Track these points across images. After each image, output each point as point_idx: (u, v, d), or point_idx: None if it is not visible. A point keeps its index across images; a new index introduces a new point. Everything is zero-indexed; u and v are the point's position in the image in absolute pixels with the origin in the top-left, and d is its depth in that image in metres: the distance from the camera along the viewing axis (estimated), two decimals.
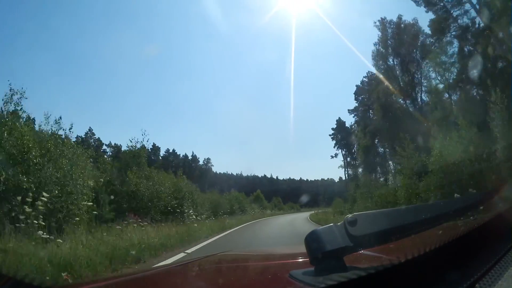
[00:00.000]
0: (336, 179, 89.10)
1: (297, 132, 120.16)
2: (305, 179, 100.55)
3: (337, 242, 0.64)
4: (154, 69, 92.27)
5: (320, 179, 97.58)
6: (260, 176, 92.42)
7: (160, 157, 65.55)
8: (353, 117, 37.53)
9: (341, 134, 46.84)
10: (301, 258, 1.15)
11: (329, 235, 0.66)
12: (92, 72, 78.24)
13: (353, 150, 40.12)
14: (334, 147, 46.98)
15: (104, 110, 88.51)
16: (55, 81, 68.81)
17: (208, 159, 76.93)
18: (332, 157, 47.33)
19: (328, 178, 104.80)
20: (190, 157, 73.93)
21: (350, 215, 0.67)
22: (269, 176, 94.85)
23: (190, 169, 64.26)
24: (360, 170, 32.67)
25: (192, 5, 76.44)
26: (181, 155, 73.27)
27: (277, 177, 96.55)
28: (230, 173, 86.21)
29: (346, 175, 42.30)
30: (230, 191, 34.09)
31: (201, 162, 75.62)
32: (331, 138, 47.91)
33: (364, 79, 33.18)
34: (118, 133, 77.98)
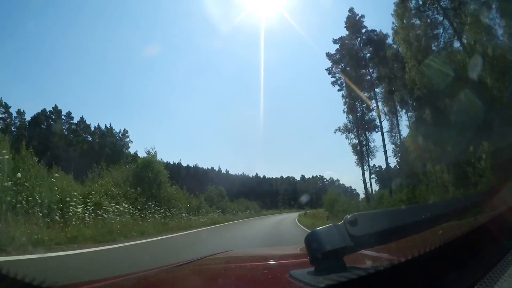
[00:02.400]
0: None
1: (272, 131, 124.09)
2: (286, 176, 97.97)
3: (337, 242, 0.64)
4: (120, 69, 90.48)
5: (282, 176, 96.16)
6: (251, 175, 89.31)
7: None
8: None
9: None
10: (301, 258, 1.15)
11: (329, 235, 0.66)
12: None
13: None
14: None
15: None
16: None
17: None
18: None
19: (316, 176, 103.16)
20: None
21: (350, 215, 0.67)
22: (256, 175, 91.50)
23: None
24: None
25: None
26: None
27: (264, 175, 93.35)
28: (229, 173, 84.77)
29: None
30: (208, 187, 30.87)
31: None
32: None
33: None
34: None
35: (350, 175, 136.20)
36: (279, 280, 0.95)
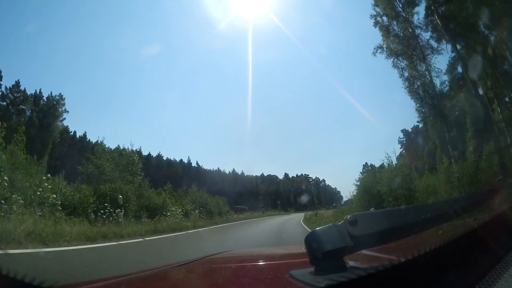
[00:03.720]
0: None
1: (259, 131, 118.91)
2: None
3: (337, 242, 0.64)
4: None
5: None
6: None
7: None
8: None
9: None
10: (301, 258, 1.15)
11: (329, 235, 0.66)
12: None
13: None
14: None
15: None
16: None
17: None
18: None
19: (301, 175, 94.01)
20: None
21: (349, 215, 0.67)
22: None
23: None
24: None
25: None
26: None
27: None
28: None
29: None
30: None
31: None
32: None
33: None
34: None
35: (336, 177, 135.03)
36: (279, 280, 0.95)
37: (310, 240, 0.68)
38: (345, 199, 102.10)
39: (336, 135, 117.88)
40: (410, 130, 40.78)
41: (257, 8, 63.79)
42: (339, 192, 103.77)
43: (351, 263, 0.72)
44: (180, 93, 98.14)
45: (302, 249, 0.73)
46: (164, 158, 63.85)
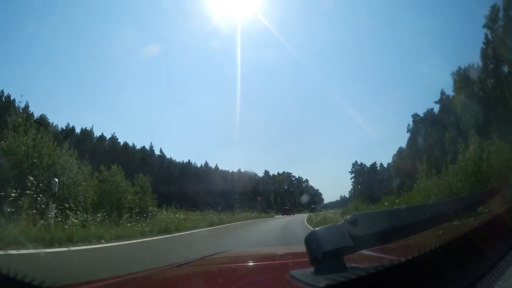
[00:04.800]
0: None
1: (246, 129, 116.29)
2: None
3: (337, 242, 0.64)
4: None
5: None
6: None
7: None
8: None
9: None
10: (301, 258, 1.15)
11: (329, 235, 0.66)
12: None
13: None
14: None
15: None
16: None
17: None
18: None
19: (283, 172, 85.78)
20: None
21: (349, 215, 0.67)
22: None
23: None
24: None
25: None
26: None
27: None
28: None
29: None
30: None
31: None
32: None
33: None
34: None
35: (318, 178, 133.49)
36: (279, 280, 0.95)
37: (310, 240, 0.68)
38: (325, 201, 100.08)
39: (321, 137, 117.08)
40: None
41: (245, 8, 64.26)
42: (321, 193, 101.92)
43: (351, 263, 0.72)
44: (163, 87, 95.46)
45: (302, 249, 0.73)
46: (121, 142, 55.61)
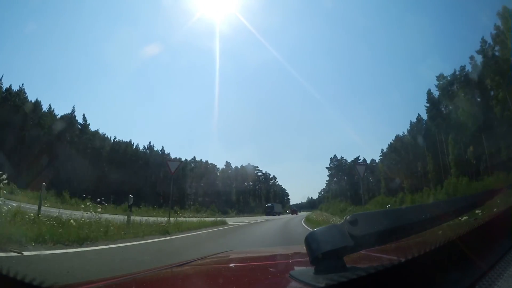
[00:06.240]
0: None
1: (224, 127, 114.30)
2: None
3: (337, 242, 0.64)
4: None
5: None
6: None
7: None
8: None
9: None
10: (301, 258, 1.15)
11: (329, 235, 0.66)
12: None
13: None
14: None
15: None
16: None
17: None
18: None
19: (248, 164, 74.26)
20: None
21: (350, 215, 0.67)
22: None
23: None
24: None
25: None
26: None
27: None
28: None
29: None
30: None
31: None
32: None
33: None
34: None
35: (285, 178, 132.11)
36: (279, 280, 0.95)
37: (310, 240, 0.68)
38: (292, 202, 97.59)
39: (293, 137, 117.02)
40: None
41: (224, 8, 64.67)
42: (287, 194, 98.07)
43: (351, 263, 0.72)
44: (139, 79, 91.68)
45: (302, 249, 0.73)
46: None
